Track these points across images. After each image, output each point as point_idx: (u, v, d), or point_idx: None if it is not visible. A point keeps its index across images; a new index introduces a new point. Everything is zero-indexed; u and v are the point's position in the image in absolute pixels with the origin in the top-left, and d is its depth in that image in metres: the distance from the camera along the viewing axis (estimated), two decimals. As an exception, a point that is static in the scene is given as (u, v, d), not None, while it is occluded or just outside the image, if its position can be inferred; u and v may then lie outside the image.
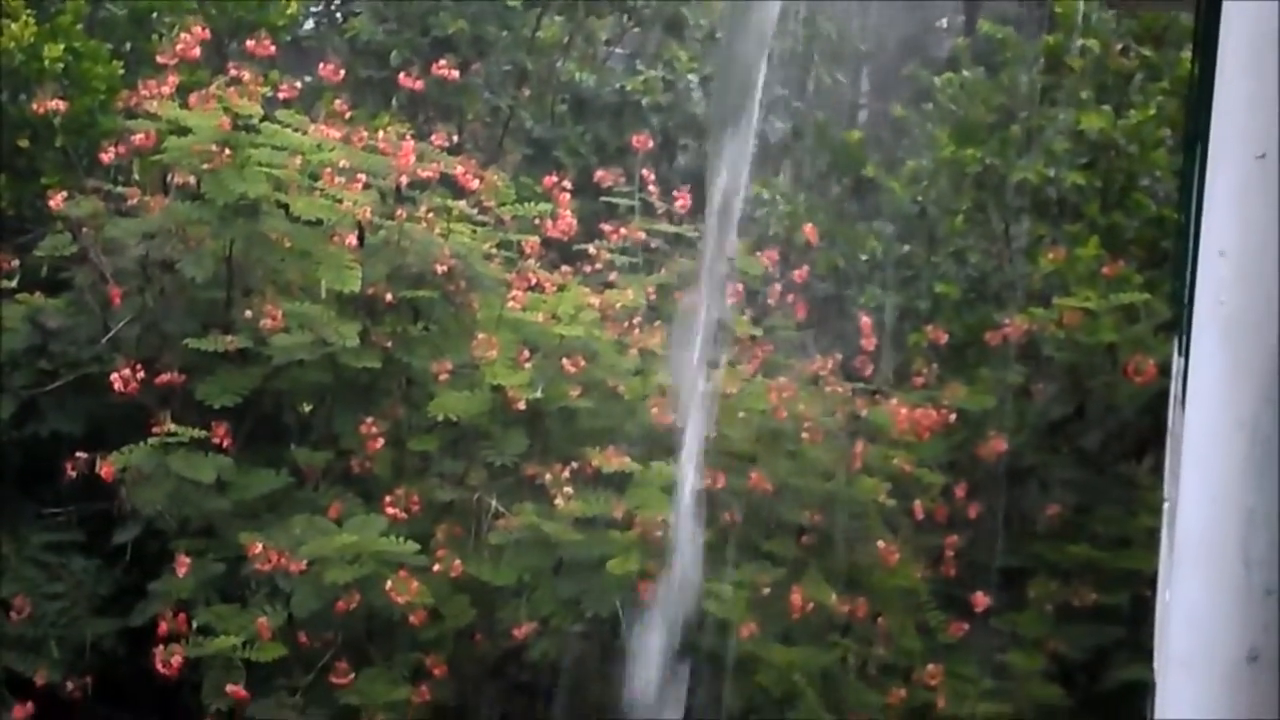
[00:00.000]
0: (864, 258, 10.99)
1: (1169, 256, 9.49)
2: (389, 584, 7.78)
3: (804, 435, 8.68)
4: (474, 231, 9.02)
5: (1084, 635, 8.81)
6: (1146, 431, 9.16)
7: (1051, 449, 9.45)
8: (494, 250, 9.09)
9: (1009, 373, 9.40)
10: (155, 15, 10.14)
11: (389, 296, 8.58)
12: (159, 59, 8.98)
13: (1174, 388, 6.59)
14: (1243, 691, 1.76)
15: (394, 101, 11.83)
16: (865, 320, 9.36)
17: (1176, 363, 6.58)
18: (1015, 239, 10.19)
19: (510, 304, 8.92)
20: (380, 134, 9.13)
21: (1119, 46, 10.52)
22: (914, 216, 10.85)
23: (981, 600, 8.55)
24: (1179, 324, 6.52)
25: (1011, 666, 8.65)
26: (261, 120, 8.62)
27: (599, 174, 9.76)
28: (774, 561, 8.34)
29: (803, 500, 8.55)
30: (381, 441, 8.39)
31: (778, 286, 9.58)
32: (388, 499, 8.16)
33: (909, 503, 8.64)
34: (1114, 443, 9.44)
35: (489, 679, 8.87)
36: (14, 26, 9.08)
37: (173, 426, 7.94)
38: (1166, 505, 5.85)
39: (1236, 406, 1.87)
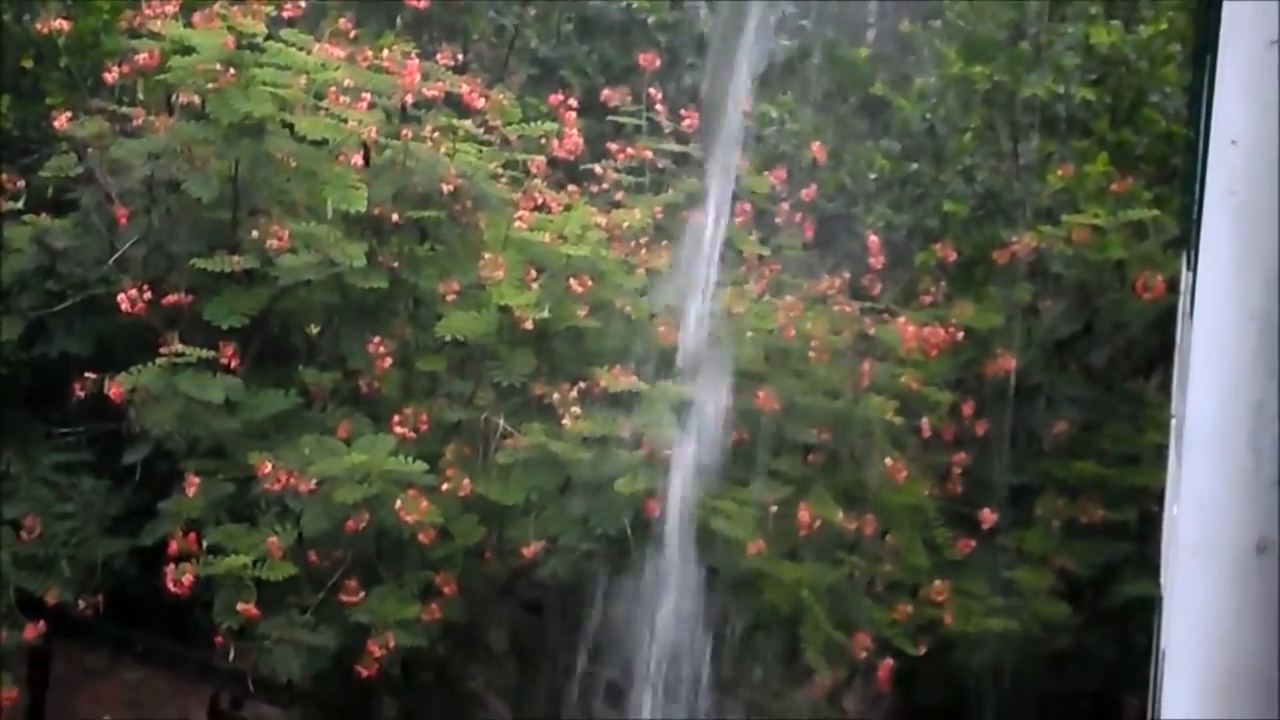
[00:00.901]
0: (872, 176, 10.94)
1: (1178, 172, 9.44)
2: (398, 503, 7.79)
3: (811, 354, 8.67)
4: (480, 151, 8.97)
5: (1091, 552, 8.84)
6: (1155, 348, 9.16)
7: (1059, 366, 9.44)
8: (500, 170, 9.05)
9: (1017, 290, 9.38)
10: (158, -66, 10.05)
11: (395, 217, 8.55)
12: (162, -23, 8.92)
13: (1182, 303, 6.57)
14: (1251, 580, 1.77)
15: (398, 20, 11.74)
16: (873, 239, 9.33)
17: (1185, 278, 6.56)
18: (1024, 156, 10.14)
19: (517, 224, 8.89)
20: (385, 53, 9.08)
21: (1128, -40, 10.44)
22: (922, 134, 10.79)
23: (988, 517, 8.56)
24: (1188, 239, 6.50)
25: (1018, 583, 8.68)
26: (266, 39, 8.57)
27: (605, 93, 9.71)
28: (782, 479, 8.36)
29: (810, 419, 8.56)
30: (389, 362, 8.39)
31: (785, 206, 9.54)
32: (396, 419, 8.16)
33: (916, 421, 8.64)
34: (1122, 359, 9.43)
35: (499, 597, 8.92)
36: (16, -54, 9.03)
37: (180, 347, 7.94)
38: (1174, 421, 5.85)
39: (1246, 299, 1.86)
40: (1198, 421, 1.87)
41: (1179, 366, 6.52)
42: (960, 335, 9.01)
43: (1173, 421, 6.01)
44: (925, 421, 8.64)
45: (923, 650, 8.24)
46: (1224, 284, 1.88)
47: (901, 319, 9.04)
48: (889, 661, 8.09)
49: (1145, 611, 7.65)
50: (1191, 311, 2.26)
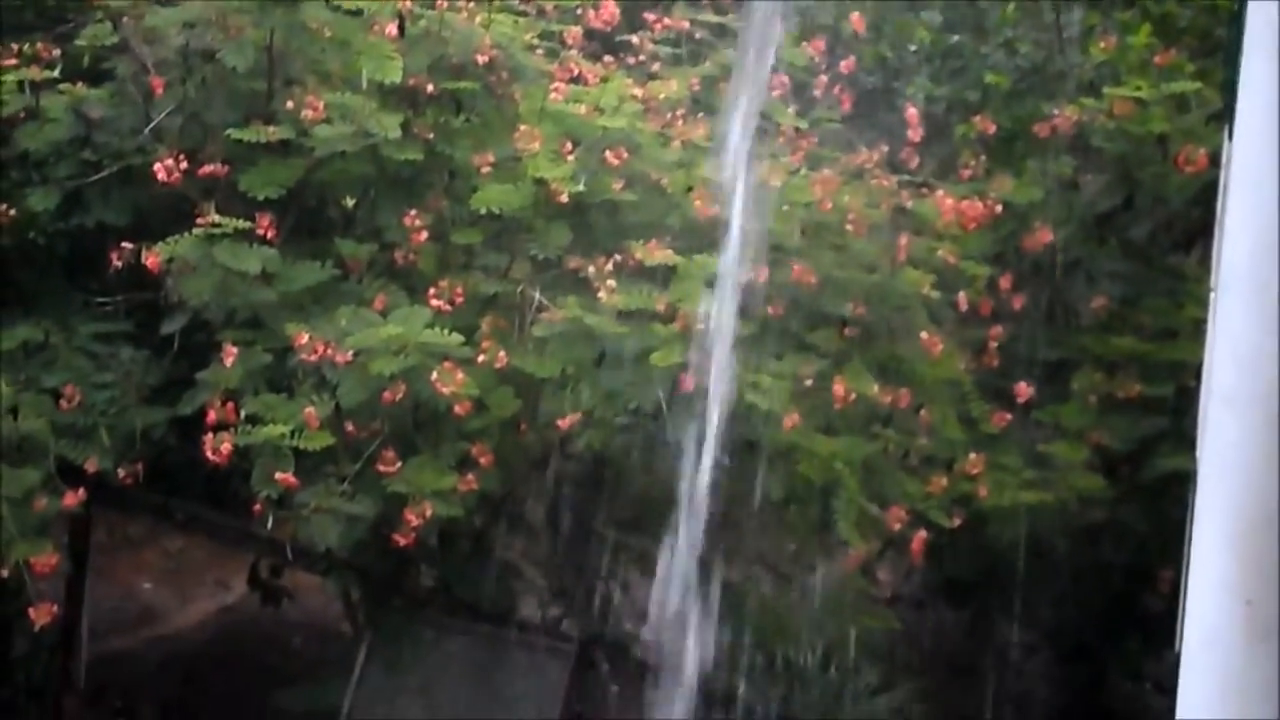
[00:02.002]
0: (912, 48, 10.81)
1: (1221, 45, 9.31)
2: (434, 375, 7.82)
3: (848, 228, 8.63)
4: (515, 22, 8.91)
5: (1127, 426, 8.82)
6: (1195, 223, 9.08)
7: (1099, 240, 9.37)
8: (536, 41, 8.98)
9: (1057, 164, 9.30)
10: None
11: (430, 88, 8.51)
12: None
13: (1223, 176, 6.50)
14: (1284, 424, 1.76)
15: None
16: (912, 112, 9.23)
17: (1226, 150, 6.48)
18: (1066, 28, 10.00)
19: (552, 96, 8.83)
20: (418, -78, 8.98)
21: None
22: (964, 6, 10.65)
23: (1024, 391, 8.54)
24: (1230, 112, 6.40)
25: (1054, 457, 8.68)
26: (298, -93, 8.49)
27: (642, -37, 9.60)
28: (817, 353, 8.35)
29: (846, 292, 8.53)
30: (425, 234, 8.39)
31: (824, 78, 9.45)
32: (432, 291, 8.17)
33: (953, 295, 8.60)
34: (1162, 234, 9.36)
35: (534, 469, 8.97)
36: None
37: (217, 218, 7.95)
38: (1213, 295, 5.81)
39: (1285, 139, 1.83)
40: (1231, 269, 1.85)
41: (1217, 241, 6.47)
42: (999, 209, 8.94)
43: (1211, 295, 5.97)
44: (962, 295, 8.60)
45: (956, 523, 8.25)
46: (1262, 132, 1.85)
47: (940, 193, 8.98)
48: (922, 534, 8.11)
49: (1180, 485, 7.64)
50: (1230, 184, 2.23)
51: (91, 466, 7.99)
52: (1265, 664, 1.64)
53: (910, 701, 9.58)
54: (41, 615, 7.61)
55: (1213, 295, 5.75)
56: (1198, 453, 1.83)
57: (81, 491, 7.89)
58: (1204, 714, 1.69)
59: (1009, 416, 8.55)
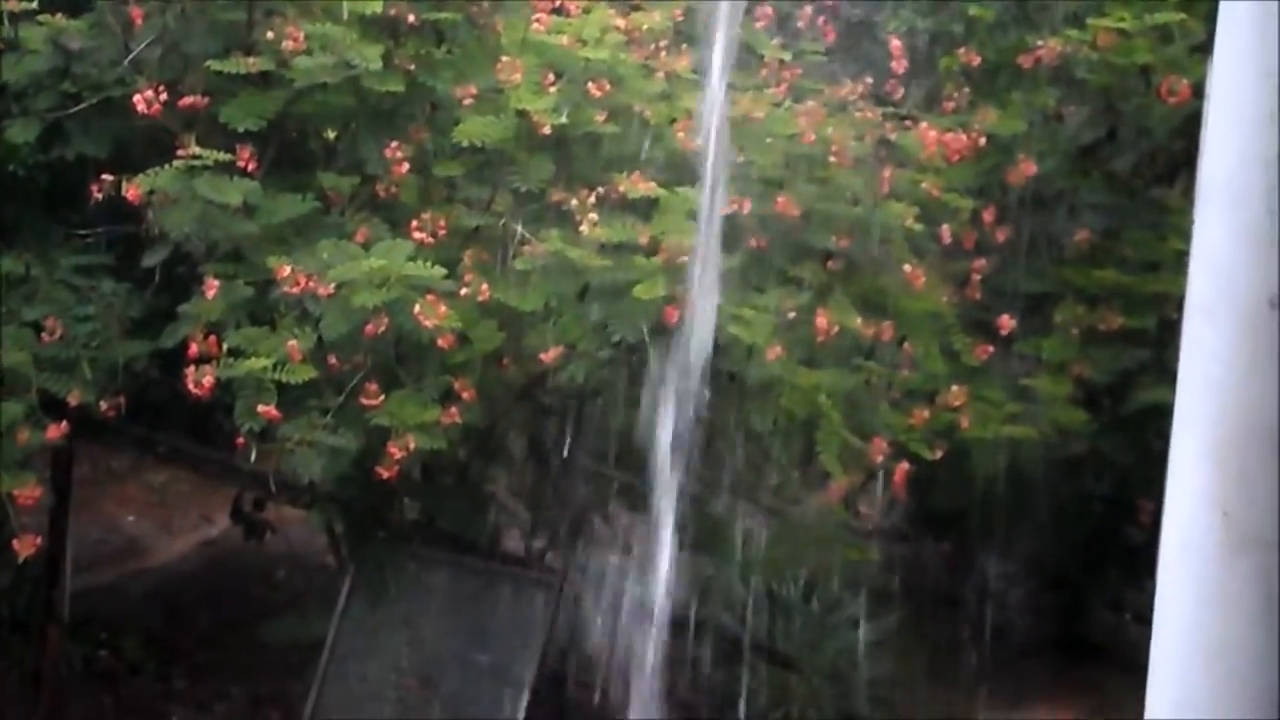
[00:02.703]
0: (896, -21, 10.76)
1: (1207, -24, 9.28)
2: (417, 308, 7.80)
3: (832, 160, 8.61)
4: (497, -49, 8.84)
5: (1110, 358, 8.85)
6: (1179, 155, 9.08)
7: (1082, 173, 9.38)
8: (517, -29, 8.92)
9: (1041, 96, 9.28)
10: None
11: (411, 18, 8.44)
12: None
13: (1207, 108, 6.49)
14: (1263, 334, 1.75)
15: None
16: (896, 44, 9.20)
17: (1210, 82, 6.45)
18: (1051, -42, 9.96)
19: (534, 26, 8.78)
20: None
21: None
22: (949, -63, 10.59)
23: (1007, 324, 8.56)
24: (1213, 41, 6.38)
25: (1036, 390, 8.71)
26: None
27: (625, -109, 9.53)
28: (800, 286, 8.35)
29: (830, 225, 8.52)
30: (406, 167, 8.35)
31: (808, 9, 9.41)
32: (414, 224, 8.14)
33: (936, 227, 8.60)
34: (1145, 166, 9.36)
35: (517, 402, 8.97)
36: None
37: (197, 150, 7.90)
38: (1196, 226, 5.81)
39: (1264, 56, 1.82)
40: (1211, 179, 1.85)
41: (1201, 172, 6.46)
42: (982, 141, 8.93)
43: (1194, 227, 5.96)
44: (945, 228, 8.60)
45: (939, 455, 8.28)
46: (1242, 40, 1.84)
47: (923, 125, 8.96)
48: (904, 466, 8.14)
49: (1162, 417, 7.65)
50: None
51: (74, 399, 7.96)
52: (1241, 575, 1.66)
53: (892, 633, 9.65)
54: (25, 547, 7.62)
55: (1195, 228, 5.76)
56: (1180, 368, 1.84)
57: (64, 424, 7.87)
58: (1180, 625, 1.71)
59: (991, 349, 8.57)
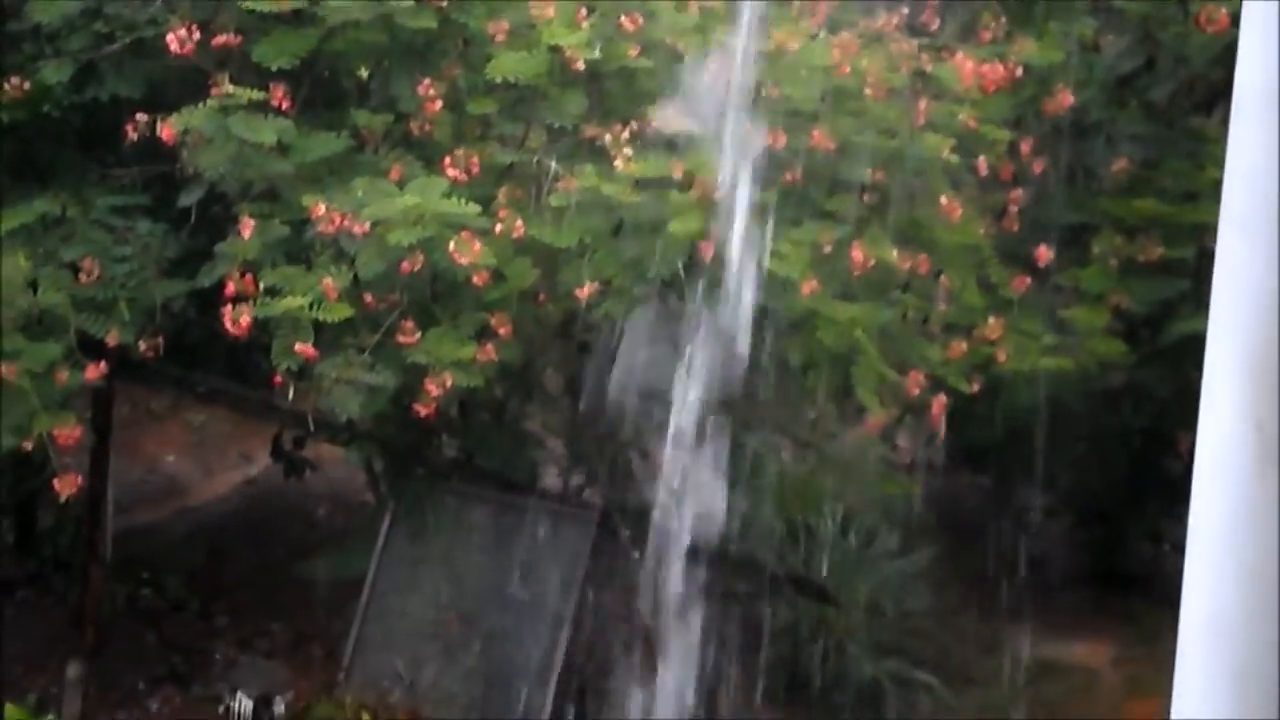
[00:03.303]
0: (931, -91, 10.64)
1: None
2: (452, 245, 7.79)
3: (867, 92, 8.53)
4: (529, -114, 8.77)
5: (1148, 289, 8.79)
6: (1217, 84, 8.98)
7: (1119, 103, 9.29)
8: (549, -95, 8.84)
9: (1078, 26, 9.18)
10: None
11: (443, -46, 8.40)
12: None
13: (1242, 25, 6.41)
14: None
15: None
16: (932, -27, 9.10)
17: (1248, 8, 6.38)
18: (1088, -114, 9.83)
19: (567, -39, 8.72)
20: None
21: None
22: None
23: (1045, 255, 8.51)
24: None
25: (1074, 321, 8.66)
26: None
27: None
28: (836, 219, 8.30)
29: (865, 158, 8.45)
30: (440, 104, 8.32)
31: (843, -61, 9.32)
32: (448, 161, 8.13)
33: (973, 159, 8.53)
34: (1183, 95, 9.27)
35: (553, 339, 8.98)
36: None
37: (231, 89, 7.89)
38: (1230, 140, 5.75)
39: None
40: (1246, 93, 1.82)
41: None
42: (1019, 72, 8.84)
43: (1229, 141, 5.91)
44: (982, 160, 8.53)
45: (976, 389, 8.26)
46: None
47: (960, 56, 8.87)
48: (941, 399, 8.12)
49: (1200, 347, 7.63)
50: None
51: (112, 340, 8.00)
52: (1275, 488, 1.65)
53: (929, 565, 9.66)
54: (66, 487, 7.67)
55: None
56: (1214, 282, 1.82)
57: (103, 365, 7.91)
58: (1214, 539, 1.70)
59: (1029, 281, 8.52)
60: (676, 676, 8.44)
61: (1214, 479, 1.70)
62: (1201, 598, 1.71)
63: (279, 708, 8.62)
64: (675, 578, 8.46)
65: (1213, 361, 1.61)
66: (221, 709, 8.69)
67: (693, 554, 8.44)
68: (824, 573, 9.57)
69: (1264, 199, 1.68)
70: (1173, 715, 1.71)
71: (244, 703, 8.61)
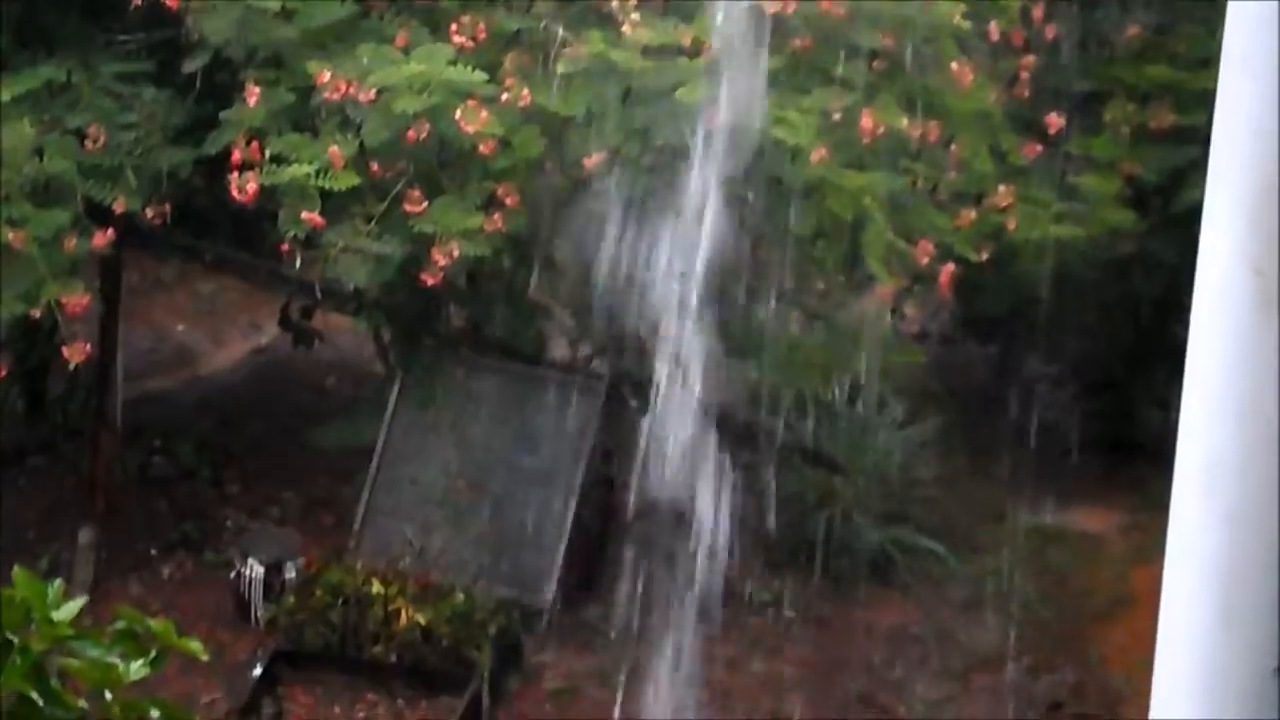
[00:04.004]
0: None
1: None
2: (458, 113, 7.76)
3: (877, -44, 8.43)
4: None
5: (1159, 157, 8.72)
6: (1233, -52, 8.85)
7: (1133, -32, 9.17)
8: None
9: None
10: None
11: None
12: None
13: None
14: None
15: None
16: None
17: None
18: None
19: None
20: None
21: None
22: None
23: (1056, 123, 8.44)
24: None
25: (1084, 189, 8.61)
26: None
27: None
28: (845, 86, 8.23)
29: (876, 24, 8.36)
30: (446, -32, 8.24)
31: None
32: (454, 28, 8.07)
33: (984, 25, 8.44)
34: (1198, -41, 9.14)
35: (561, 209, 8.94)
36: None
37: (234, -47, 7.82)
38: None
39: None
40: None
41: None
42: (1032, -65, 8.73)
43: None
44: (993, 25, 8.44)
45: (985, 257, 8.23)
46: None
47: (971, -81, 8.75)
48: (950, 268, 8.10)
49: (1211, 215, 7.58)
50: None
51: (119, 207, 7.99)
52: (1272, 332, 1.64)
53: (937, 434, 9.68)
54: (76, 354, 7.69)
55: None
56: (1214, 126, 1.79)
57: (110, 232, 7.91)
58: (1210, 383, 1.70)
59: (1039, 149, 8.46)
60: (684, 545, 8.50)
61: (1212, 323, 1.70)
62: (1198, 442, 1.72)
63: (290, 573, 8.69)
64: (683, 447, 8.49)
65: (1212, 206, 1.60)
66: (233, 575, 8.76)
67: (700, 423, 8.46)
68: (832, 442, 9.60)
69: (1266, 37, 1.65)
70: (1168, 555, 1.72)
71: (255, 569, 8.69)
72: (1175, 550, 1.71)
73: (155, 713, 3.33)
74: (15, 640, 3.09)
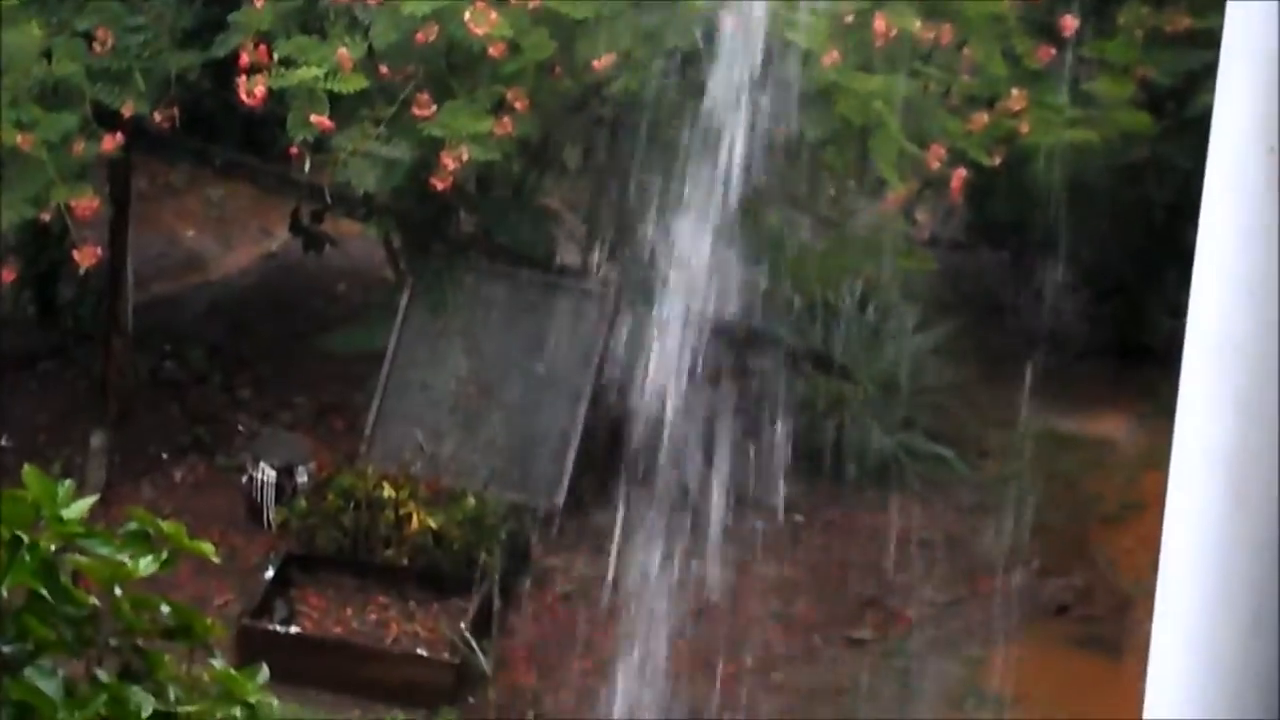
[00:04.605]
0: None
1: None
2: (467, 15, 7.72)
3: None
4: None
5: (1174, 60, 8.65)
6: None
7: None
8: None
9: None
10: None
11: None
12: None
13: None
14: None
15: None
16: None
17: None
18: None
19: None
20: None
21: None
22: None
23: (1070, 25, 8.36)
24: None
25: (1098, 93, 8.54)
26: None
27: None
28: (858, -13, 8.17)
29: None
30: None
31: None
32: (459, -70, 7.98)
33: (999, -74, 8.36)
34: None
35: (571, 113, 8.91)
36: None
37: None
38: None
39: None
40: None
41: None
42: None
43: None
44: (1008, -74, 8.37)
45: (997, 162, 8.18)
46: None
47: None
48: (962, 172, 8.06)
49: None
50: None
51: (127, 110, 7.96)
52: (1284, 211, 1.64)
53: (947, 341, 9.68)
54: (86, 258, 7.69)
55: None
56: (1221, 57, 1.77)
57: (119, 136, 7.89)
58: (1220, 261, 1.70)
59: (1053, 52, 8.39)
60: (693, 451, 8.52)
61: (1223, 202, 1.69)
62: (1208, 320, 1.71)
63: (301, 478, 8.73)
64: (692, 353, 8.50)
65: (1225, 84, 1.58)
66: (244, 479, 8.80)
67: (710, 330, 8.46)
68: (842, 348, 9.60)
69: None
70: (1175, 436, 1.73)
71: (267, 472, 8.72)
72: (1183, 431, 1.71)
73: (166, 609, 3.36)
74: (25, 538, 3.10)
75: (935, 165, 8.08)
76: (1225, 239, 1.64)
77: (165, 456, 9.29)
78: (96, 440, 9.04)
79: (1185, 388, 1.71)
